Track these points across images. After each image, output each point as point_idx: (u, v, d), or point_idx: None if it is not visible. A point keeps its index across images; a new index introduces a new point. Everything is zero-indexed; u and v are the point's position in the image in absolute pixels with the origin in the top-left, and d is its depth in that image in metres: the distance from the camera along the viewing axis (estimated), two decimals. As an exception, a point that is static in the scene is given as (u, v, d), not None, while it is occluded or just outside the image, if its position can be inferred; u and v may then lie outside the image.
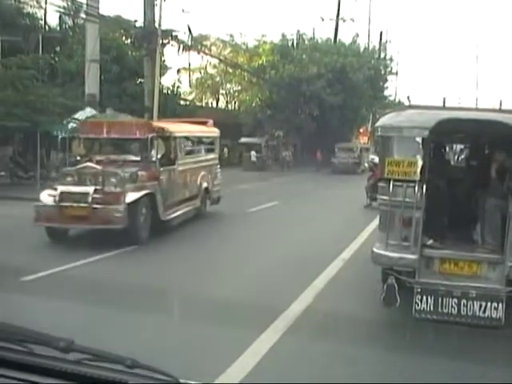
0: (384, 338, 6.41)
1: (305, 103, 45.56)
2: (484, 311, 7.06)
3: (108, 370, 1.88)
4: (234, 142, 50.51)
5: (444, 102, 8.29)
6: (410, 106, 8.11)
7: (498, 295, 7.08)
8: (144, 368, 1.89)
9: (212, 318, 7.49)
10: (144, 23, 30.40)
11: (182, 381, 1.90)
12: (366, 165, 44.63)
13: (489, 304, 7.05)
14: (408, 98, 8.39)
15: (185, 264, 11.28)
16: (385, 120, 7.78)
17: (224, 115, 53.60)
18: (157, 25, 29.44)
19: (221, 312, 7.82)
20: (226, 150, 48.47)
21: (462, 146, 15.60)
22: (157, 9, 29.50)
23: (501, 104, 8.08)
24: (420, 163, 7.43)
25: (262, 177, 38.99)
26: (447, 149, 13.82)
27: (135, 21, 33.88)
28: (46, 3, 32.76)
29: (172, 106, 36.21)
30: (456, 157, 17.06)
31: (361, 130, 61.12)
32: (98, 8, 29.02)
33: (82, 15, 31.03)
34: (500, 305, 7.02)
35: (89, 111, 28.32)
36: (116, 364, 1.90)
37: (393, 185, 7.39)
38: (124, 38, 36.71)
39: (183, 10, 55.47)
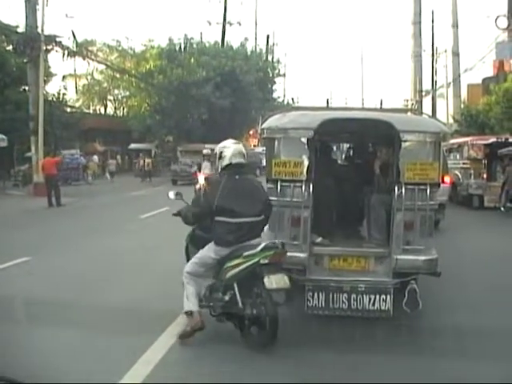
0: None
1: (194, 107, 45.54)
2: (373, 304, 7.27)
3: None
4: (124, 148, 50.04)
5: (328, 103, 8.48)
6: (295, 108, 8.24)
7: (385, 288, 7.31)
8: None
9: (103, 327, 7.35)
10: (26, 28, 29.54)
11: None
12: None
13: (377, 296, 7.27)
14: (293, 99, 8.52)
15: (78, 275, 10.98)
16: (270, 122, 7.84)
17: (113, 121, 53.04)
18: (39, 30, 28.72)
19: (112, 320, 7.68)
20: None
21: (348, 145, 15.94)
22: (39, 13, 28.79)
23: (381, 103, 8.34)
24: (306, 163, 7.54)
25: (154, 182, 38.75)
26: (334, 148, 14.14)
27: (17, 26, 32.90)
28: None
29: (58, 114, 35.50)
30: (343, 156, 17.41)
31: (251, 133, 61.58)
32: (-25, 13, 28.07)
33: (-41, 20, 29.90)
34: (388, 297, 7.25)
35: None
36: None
37: (280, 185, 7.49)
38: (5, 44, 35.56)
39: (67, 15, 54.57)
